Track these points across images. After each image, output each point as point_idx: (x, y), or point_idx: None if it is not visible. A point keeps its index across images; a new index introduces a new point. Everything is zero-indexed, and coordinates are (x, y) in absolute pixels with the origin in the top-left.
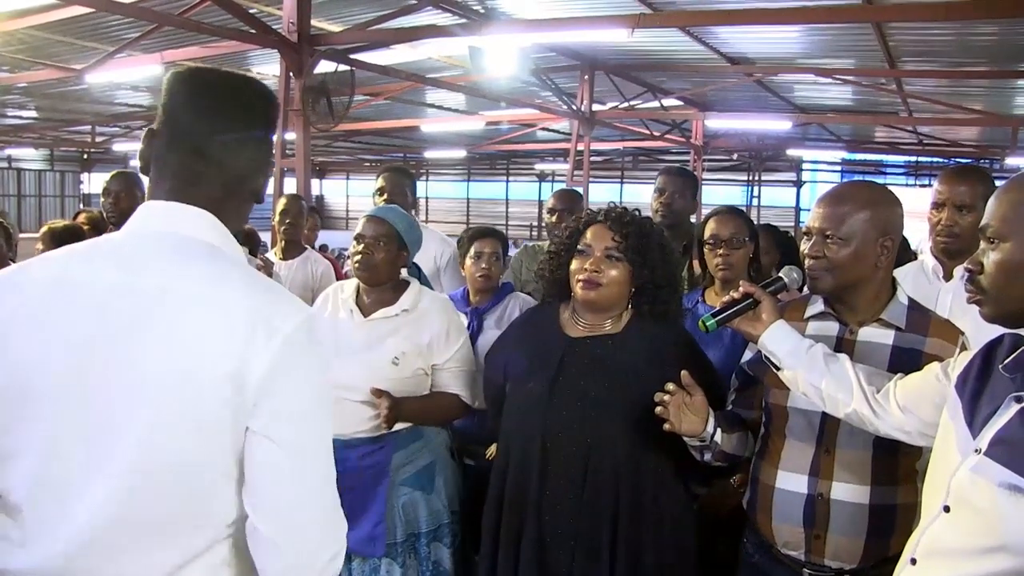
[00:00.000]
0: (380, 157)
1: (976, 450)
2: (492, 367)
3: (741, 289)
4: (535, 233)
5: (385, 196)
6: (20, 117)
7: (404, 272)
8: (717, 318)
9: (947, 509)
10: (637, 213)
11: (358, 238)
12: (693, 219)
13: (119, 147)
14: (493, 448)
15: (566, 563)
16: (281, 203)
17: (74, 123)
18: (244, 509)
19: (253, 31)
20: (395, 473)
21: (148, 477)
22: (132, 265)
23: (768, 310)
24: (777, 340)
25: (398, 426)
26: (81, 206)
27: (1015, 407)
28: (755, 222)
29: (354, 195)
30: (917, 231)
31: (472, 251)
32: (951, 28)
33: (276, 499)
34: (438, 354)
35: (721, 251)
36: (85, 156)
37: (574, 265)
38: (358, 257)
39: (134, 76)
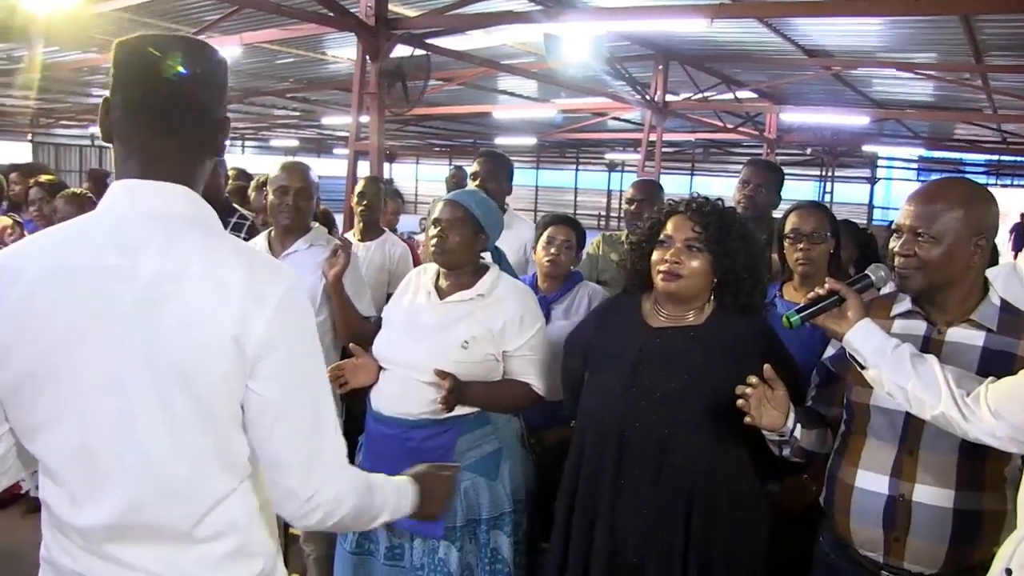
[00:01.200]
0: (450, 143)
1: None
2: (572, 354)
3: (827, 286)
4: (603, 223)
5: (478, 181)
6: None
7: (488, 257)
8: (802, 315)
9: None
10: (720, 203)
11: (435, 222)
12: (776, 214)
13: None
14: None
15: (637, 553)
16: (359, 185)
17: None
18: None
19: (331, 14)
20: (459, 457)
21: (177, 437)
22: (130, 248)
23: (854, 308)
24: (862, 338)
25: (465, 411)
26: None
27: None
28: None
29: (423, 179)
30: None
31: (545, 236)
32: None
33: (283, 445)
34: (510, 340)
35: (802, 245)
36: None
37: (655, 256)
38: (434, 240)
39: None
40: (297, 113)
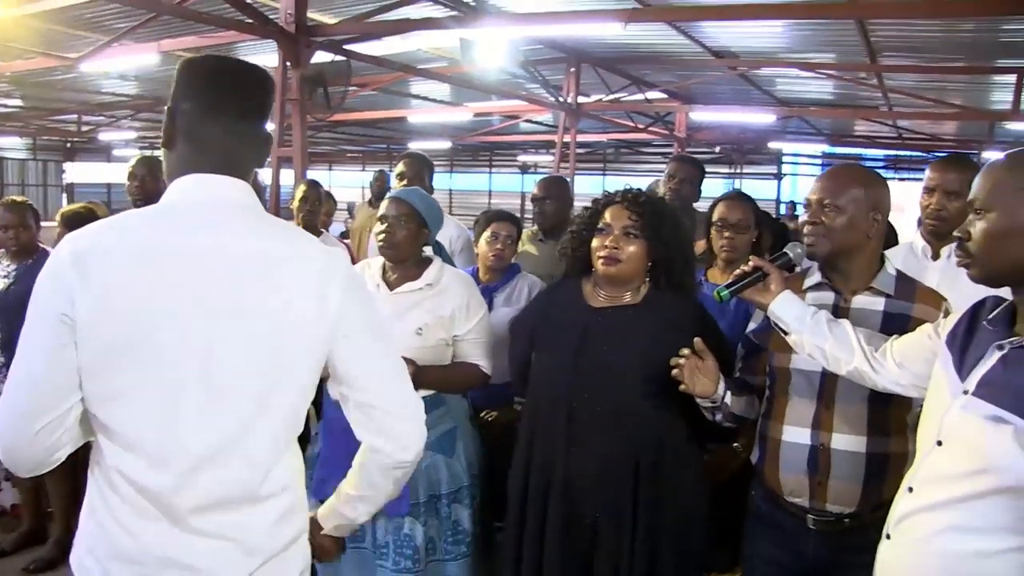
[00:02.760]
0: (363, 148)
1: (964, 391)
2: (518, 336)
3: (751, 263)
4: None
5: (405, 181)
6: (5, 106)
7: (428, 250)
8: (730, 289)
9: (939, 443)
10: (653, 194)
11: (381, 219)
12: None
13: (104, 136)
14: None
15: (591, 516)
16: (300, 191)
17: (60, 112)
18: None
19: (251, 21)
20: None
21: (259, 399)
22: (218, 230)
23: (776, 281)
24: (785, 307)
25: (422, 393)
26: (64, 196)
27: (997, 354)
28: None
29: (337, 185)
30: (895, 222)
31: (489, 232)
32: (932, 24)
33: (366, 376)
34: (459, 325)
35: (727, 234)
36: (68, 145)
37: (595, 243)
38: (382, 236)
39: (130, 65)
40: None
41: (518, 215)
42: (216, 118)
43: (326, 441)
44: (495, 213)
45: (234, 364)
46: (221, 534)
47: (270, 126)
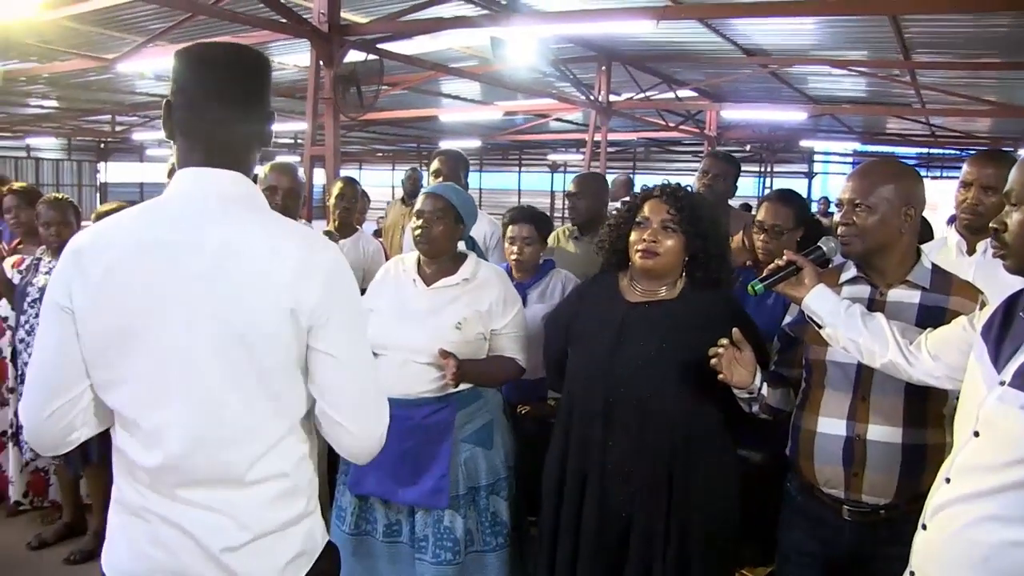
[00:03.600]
0: (393, 147)
1: (1001, 382)
2: (554, 329)
3: (785, 257)
4: None
5: (441, 177)
6: (41, 107)
7: (462, 245)
8: (765, 283)
9: (976, 434)
10: (689, 189)
11: (418, 213)
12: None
13: (138, 136)
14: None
15: (626, 503)
16: (337, 187)
17: (94, 112)
18: (308, 405)
19: (284, 21)
20: (457, 431)
21: (235, 389)
22: (198, 225)
23: (810, 275)
24: (819, 301)
25: (461, 387)
26: (98, 196)
27: None
28: None
29: (366, 185)
30: (929, 220)
31: (507, 234)
32: (967, 19)
33: (341, 394)
34: (497, 319)
35: (763, 237)
36: (102, 146)
37: (633, 236)
38: (419, 231)
39: (165, 66)
40: None
41: (547, 214)
42: (203, 109)
43: None
44: (514, 214)
45: (213, 357)
46: (211, 507)
47: (303, 125)
